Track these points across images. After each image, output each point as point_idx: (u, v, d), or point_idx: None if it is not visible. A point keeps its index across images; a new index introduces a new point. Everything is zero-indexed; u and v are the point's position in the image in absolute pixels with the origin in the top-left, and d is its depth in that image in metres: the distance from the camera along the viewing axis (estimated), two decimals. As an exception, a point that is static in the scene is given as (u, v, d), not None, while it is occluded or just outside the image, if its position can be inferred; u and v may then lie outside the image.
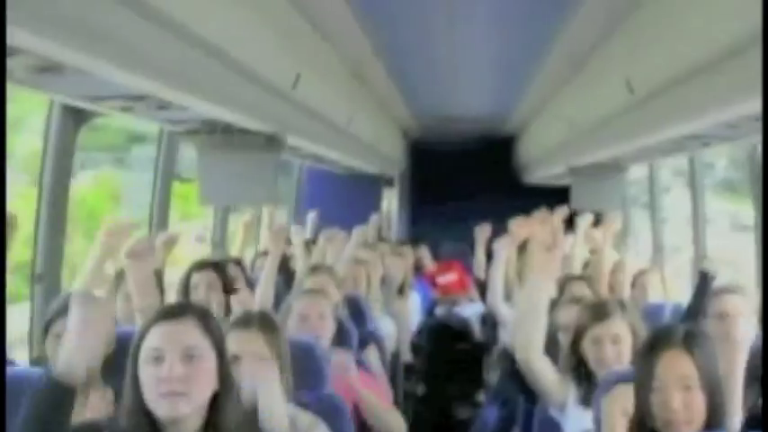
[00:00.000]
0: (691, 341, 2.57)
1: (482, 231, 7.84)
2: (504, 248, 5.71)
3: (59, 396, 2.24)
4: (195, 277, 4.41)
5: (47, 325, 3.12)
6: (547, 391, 3.37)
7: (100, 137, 6.32)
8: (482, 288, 7.36)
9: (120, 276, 3.95)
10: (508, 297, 5.87)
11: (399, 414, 3.80)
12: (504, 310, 5.78)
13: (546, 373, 3.35)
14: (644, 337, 3.16)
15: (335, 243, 6.17)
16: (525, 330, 3.36)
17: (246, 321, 3.05)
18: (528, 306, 3.37)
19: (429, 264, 9.43)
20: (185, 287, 4.41)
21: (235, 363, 2.89)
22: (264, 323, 3.05)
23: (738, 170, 7.97)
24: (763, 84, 2.94)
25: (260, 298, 4.38)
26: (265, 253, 5.85)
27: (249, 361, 2.90)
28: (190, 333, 2.25)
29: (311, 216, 8.29)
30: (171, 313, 2.30)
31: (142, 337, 2.27)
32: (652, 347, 2.61)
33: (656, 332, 2.70)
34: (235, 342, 2.95)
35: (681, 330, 2.62)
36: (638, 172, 7.97)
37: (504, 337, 5.80)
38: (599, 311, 3.36)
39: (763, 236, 3.82)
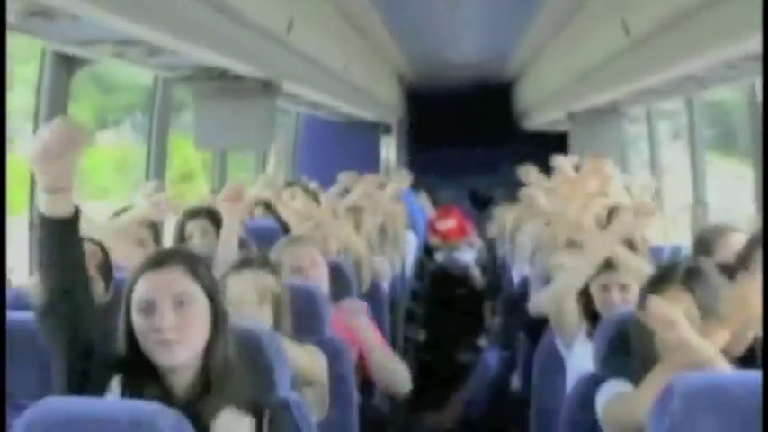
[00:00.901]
0: (691, 278, 2.57)
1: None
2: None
3: (58, 229, 2.15)
4: (189, 225, 4.41)
5: None
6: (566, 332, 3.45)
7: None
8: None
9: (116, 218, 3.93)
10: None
11: (404, 367, 3.78)
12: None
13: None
14: None
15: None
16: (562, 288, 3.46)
17: (248, 264, 3.04)
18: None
19: (428, 209, 9.45)
20: (180, 235, 4.41)
21: (236, 305, 2.91)
22: (265, 266, 3.05)
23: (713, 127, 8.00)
24: (764, 28, 2.92)
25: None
26: (264, 204, 5.86)
27: (251, 302, 2.93)
28: (179, 280, 2.22)
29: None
30: (158, 261, 2.26)
31: (131, 287, 2.24)
32: (653, 285, 2.61)
33: (657, 271, 2.70)
34: (235, 284, 2.96)
35: (681, 268, 2.62)
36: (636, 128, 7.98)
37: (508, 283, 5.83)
38: (609, 260, 3.36)
39: (764, 226, 3.82)
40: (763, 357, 2.45)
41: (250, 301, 2.95)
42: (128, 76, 6.02)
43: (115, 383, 2.23)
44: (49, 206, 2.12)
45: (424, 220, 8.99)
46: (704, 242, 3.91)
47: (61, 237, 2.15)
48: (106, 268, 3.13)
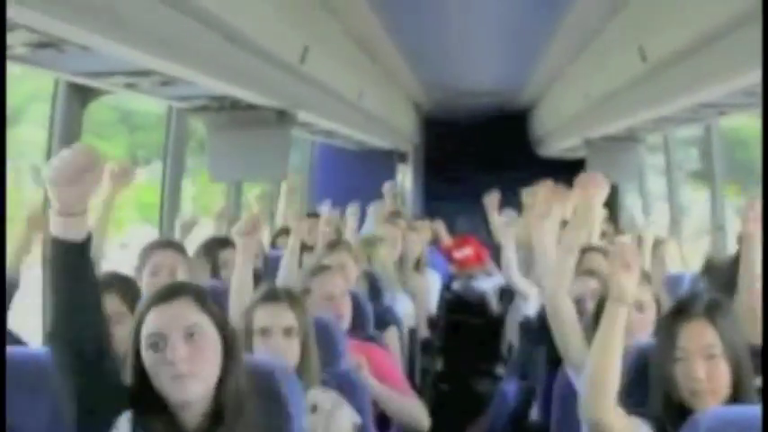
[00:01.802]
0: (713, 311, 2.54)
1: (491, 199, 7.81)
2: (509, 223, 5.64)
3: (69, 253, 2.13)
4: (224, 254, 4.43)
5: None
6: (569, 341, 3.37)
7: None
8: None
9: (146, 253, 3.92)
10: (527, 266, 5.83)
11: (418, 401, 3.75)
12: (520, 282, 5.75)
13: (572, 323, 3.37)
14: (665, 307, 3.14)
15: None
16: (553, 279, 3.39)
17: (275, 296, 3.03)
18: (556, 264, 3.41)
19: (445, 238, 9.40)
20: (213, 264, 4.42)
21: (264, 336, 2.89)
22: (292, 298, 3.03)
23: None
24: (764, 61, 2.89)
25: (284, 273, 4.35)
26: (286, 230, 5.85)
27: (279, 334, 2.91)
28: (188, 313, 2.21)
29: (326, 205, 8.16)
30: (165, 295, 2.24)
31: (140, 322, 2.22)
32: (674, 318, 2.59)
33: (678, 302, 2.67)
34: (265, 316, 2.95)
35: (703, 300, 2.59)
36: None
37: (525, 309, 5.76)
38: None
39: (764, 226, 3.79)
40: (762, 362, 2.41)
41: (277, 333, 2.94)
42: (156, 114, 6.06)
43: (124, 420, 2.19)
44: (61, 229, 2.09)
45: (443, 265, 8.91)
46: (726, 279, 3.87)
47: (72, 260, 2.11)
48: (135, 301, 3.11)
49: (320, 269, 3.89)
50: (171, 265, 3.84)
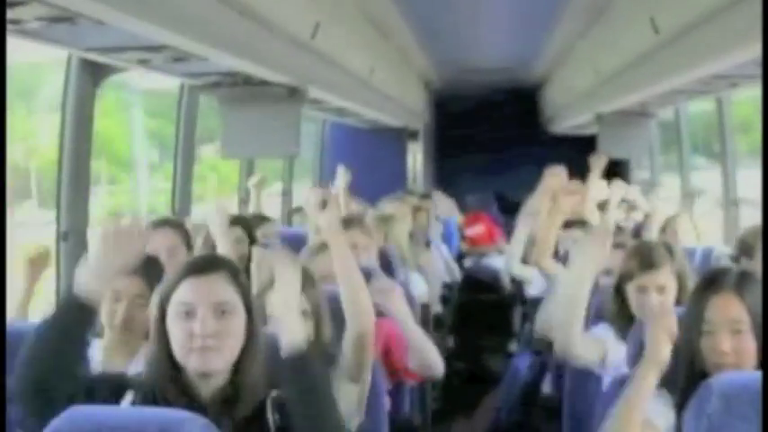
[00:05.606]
0: (742, 284, 2.51)
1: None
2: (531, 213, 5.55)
3: (76, 313, 2.20)
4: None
5: None
6: (585, 365, 3.27)
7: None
8: None
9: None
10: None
11: (436, 350, 3.73)
12: (520, 272, 5.71)
13: (585, 356, 3.21)
14: (689, 281, 3.14)
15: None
16: (566, 317, 3.15)
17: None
18: (570, 294, 3.14)
19: (456, 216, 9.41)
20: (212, 243, 4.41)
21: (272, 319, 2.86)
22: (303, 278, 2.97)
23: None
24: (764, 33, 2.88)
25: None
26: (301, 209, 5.86)
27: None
28: (221, 288, 2.20)
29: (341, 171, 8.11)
30: (202, 267, 2.24)
31: (171, 290, 2.21)
32: (703, 290, 2.56)
33: (707, 275, 2.63)
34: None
35: (733, 273, 2.57)
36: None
37: (531, 291, 5.77)
38: (648, 260, 3.25)
39: (764, 226, 3.79)
40: (762, 357, 2.40)
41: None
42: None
43: (127, 400, 2.20)
44: None
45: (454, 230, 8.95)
46: (745, 245, 3.88)
47: None
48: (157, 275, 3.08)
49: (321, 248, 3.83)
50: (169, 245, 3.79)
